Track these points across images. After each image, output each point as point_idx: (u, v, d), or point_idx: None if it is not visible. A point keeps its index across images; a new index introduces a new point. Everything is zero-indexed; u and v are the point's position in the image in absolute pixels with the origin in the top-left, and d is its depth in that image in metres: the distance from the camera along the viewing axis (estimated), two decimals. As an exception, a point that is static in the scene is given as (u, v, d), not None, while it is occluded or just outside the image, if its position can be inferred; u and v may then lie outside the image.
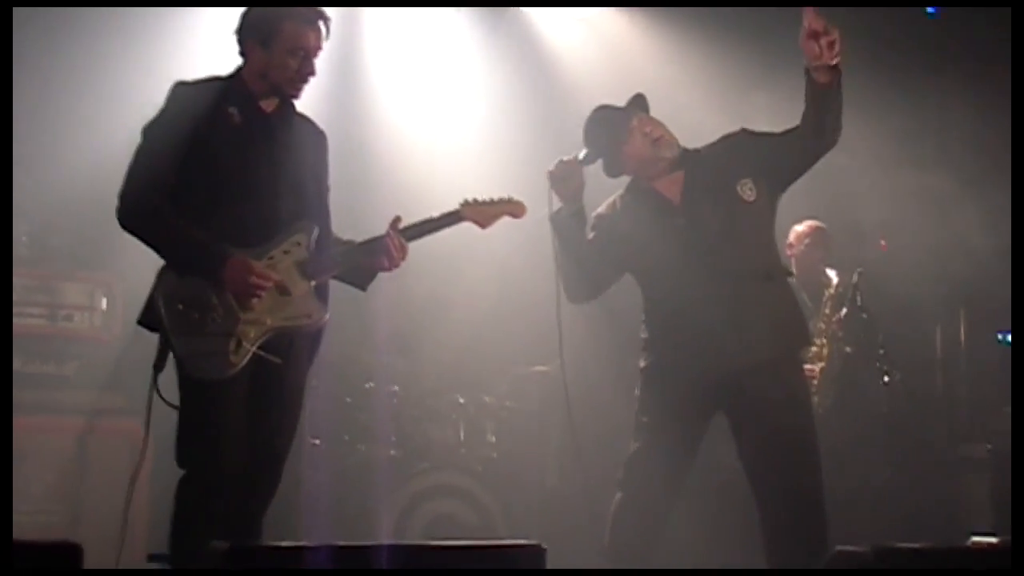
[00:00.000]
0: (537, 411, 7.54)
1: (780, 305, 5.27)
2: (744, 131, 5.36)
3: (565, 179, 5.34)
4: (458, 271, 7.98)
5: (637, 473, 5.27)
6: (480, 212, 5.02)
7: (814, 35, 4.92)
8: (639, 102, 5.46)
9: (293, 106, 4.77)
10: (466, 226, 5.04)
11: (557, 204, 5.38)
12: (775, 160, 5.23)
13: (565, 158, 5.34)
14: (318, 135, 4.90)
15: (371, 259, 4.81)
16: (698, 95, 7.91)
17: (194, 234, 4.46)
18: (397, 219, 4.82)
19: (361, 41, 7.97)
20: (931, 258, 9.68)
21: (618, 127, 5.34)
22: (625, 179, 5.51)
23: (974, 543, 5.45)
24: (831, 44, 4.91)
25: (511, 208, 5.08)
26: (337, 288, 4.85)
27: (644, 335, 5.37)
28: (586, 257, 5.36)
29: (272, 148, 4.65)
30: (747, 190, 5.20)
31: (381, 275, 4.95)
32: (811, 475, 5.12)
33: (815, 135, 5.12)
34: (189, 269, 4.46)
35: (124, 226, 4.54)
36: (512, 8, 8.43)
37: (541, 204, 5.41)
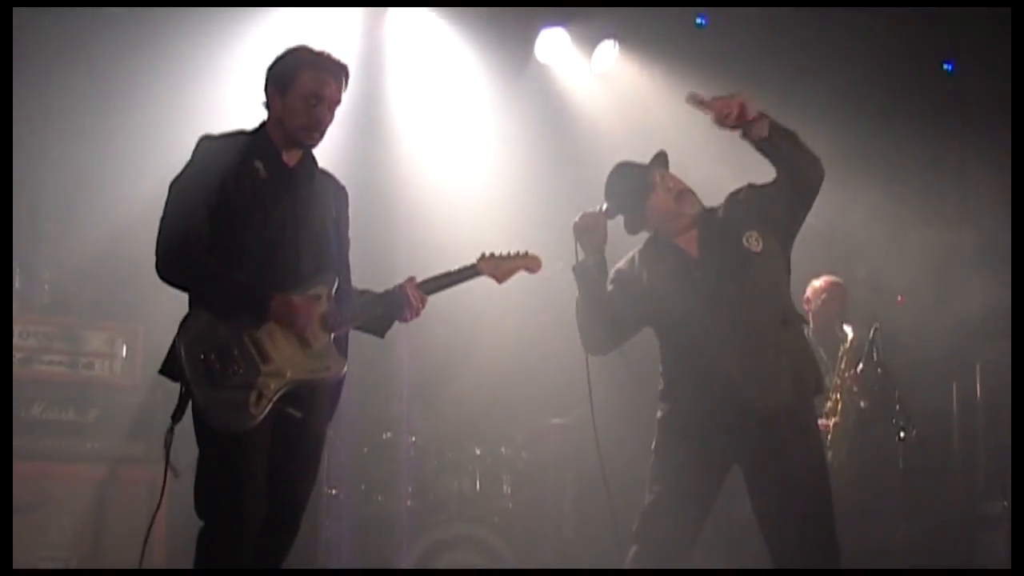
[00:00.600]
0: (553, 463, 7.56)
1: (795, 351, 5.30)
2: (749, 186, 5.44)
3: (590, 230, 5.38)
4: (478, 324, 8.03)
5: (653, 524, 5.26)
6: (497, 266, 5.06)
7: (725, 117, 5.05)
8: (661, 159, 5.52)
9: (315, 161, 4.83)
10: (487, 278, 5.07)
11: (581, 255, 5.42)
12: (772, 208, 5.31)
13: (590, 210, 5.38)
14: (339, 190, 4.95)
15: (390, 311, 4.85)
16: (713, 150, 7.96)
17: (236, 278, 4.52)
18: (412, 279, 4.88)
19: (384, 94, 8.06)
20: (948, 313, 9.69)
21: (641, 182, 5.40)
22: (642, 236, 5.55)
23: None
24: (741, 110, 5.03)
25: (527, 263, 5.12)
26: (356, 339, 4.89)
27: (661, 386, 5.40)
28: (606, 309, 5.40)
29: (295, 202, 4.70)
30: (753, 242, 5.26)
31: (402, 328, 4.98)
32: (824, 523, 5.12)
33: (790, 177, 5.22)
34: (236, 310, 4.50)
35: (165, 278, 4.57)
36: (533, 61, 8.51)
37: (559, 257, 5.46)
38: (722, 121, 5.10)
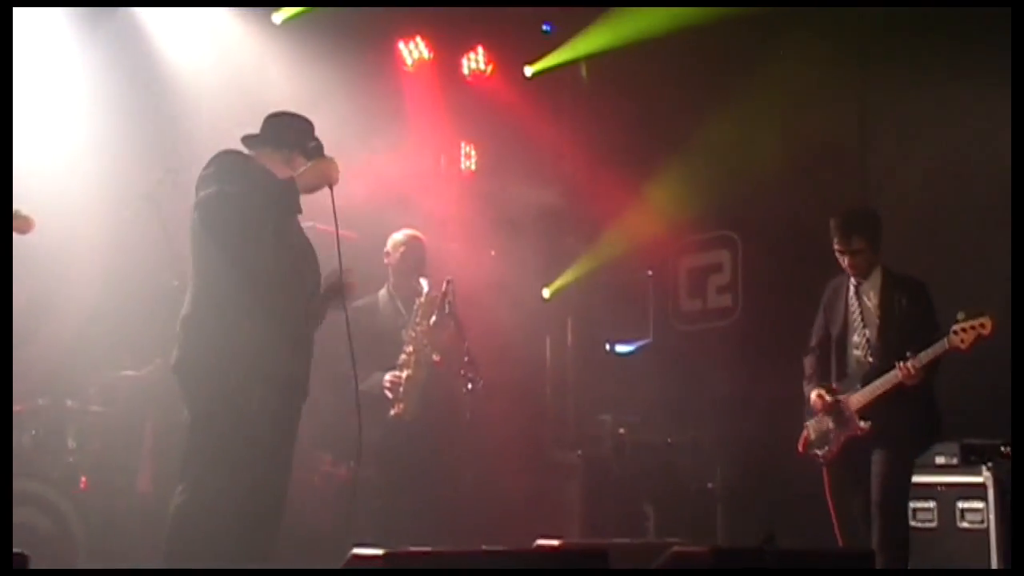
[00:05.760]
0: (125, 416, 7.33)
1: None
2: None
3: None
4: (59, 275, 7.73)
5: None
6: None
7: None
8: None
9: None
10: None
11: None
12: None
13: None
14: None
15: None
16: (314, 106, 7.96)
17: None
18: None
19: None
20: (542, 268, 10.01)
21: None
22: None
23: (538, 546, 5.64)
24: None
25: (18, 224, 5.02)
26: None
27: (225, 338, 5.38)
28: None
29: None
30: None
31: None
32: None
33: None
34: None
35: None
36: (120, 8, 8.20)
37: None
38: None
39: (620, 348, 10.36)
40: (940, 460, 6.59)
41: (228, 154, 5.53)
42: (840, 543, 6.51)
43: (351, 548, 4.01)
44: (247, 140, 5.74)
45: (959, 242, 7.70)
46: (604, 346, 10.36)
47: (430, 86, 9.51)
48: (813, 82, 8.43)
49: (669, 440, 8.58)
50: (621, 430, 8.63)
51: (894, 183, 8.01)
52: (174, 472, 6.53)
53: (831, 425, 6.59)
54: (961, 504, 6.41)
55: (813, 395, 6.65)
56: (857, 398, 6.48)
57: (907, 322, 6.46)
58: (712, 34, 8.88)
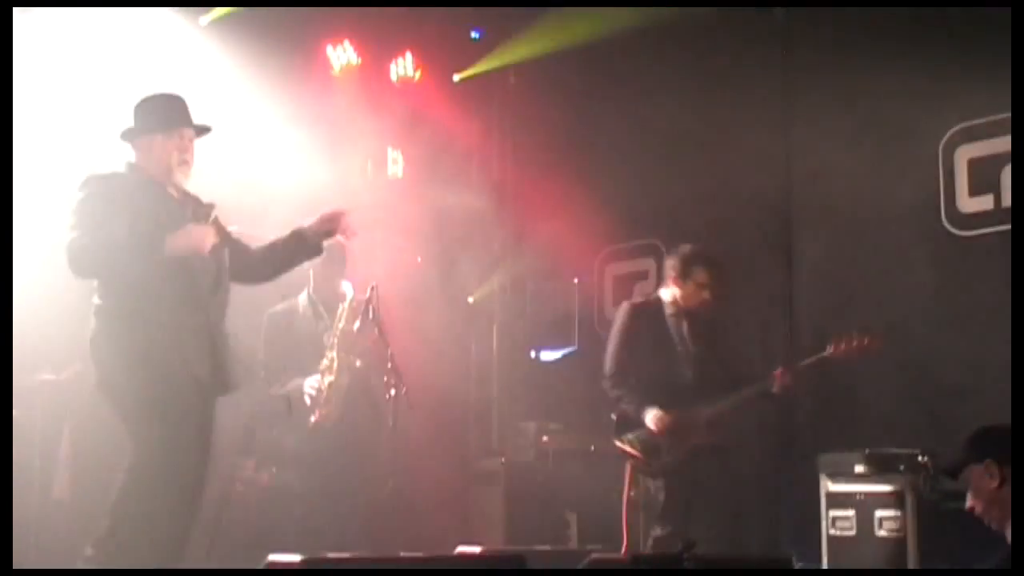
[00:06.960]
0: (42, 420, 7.23)
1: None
2: (218, 218, 5.69)
3: None
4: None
5: None
6: None
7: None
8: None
9: None
10: None
11: None
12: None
13: None
14: None
15: None
16: (240, 109, 7.90)
17: None
18: None
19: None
20: (467, 274, 9.99)
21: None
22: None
23: (459, 553, 5.65)
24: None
25: None
26: None
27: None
28: None
29: None
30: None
31: None
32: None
33: (259, 274, 6.00)
34: None
35: None
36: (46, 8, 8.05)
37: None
38: None
39: (545, 355, 10.35)
40: (859, 469, 6.63)
41: (95, 190, 5.44)
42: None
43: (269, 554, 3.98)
44: (125, 135, 5.70)
45: (882, 250, 7.77)
46: (529, 353, 10.35)
47: (357, 90, 9.46)
48: (739, 90, 8.48)
49: (592, 447, 8.57)
50: (544, 437, 8.63)
51: (818, 192, 8.08)
52: (91, 479, 6.49)
53: (663, 441, 6.82)
54: (879, 512, 6.46)
55: (652, 418, 6.78)
56: (708, 412, 6.79)
57: (727, 344, 7.04)
58: (640, 41, 8.90)
